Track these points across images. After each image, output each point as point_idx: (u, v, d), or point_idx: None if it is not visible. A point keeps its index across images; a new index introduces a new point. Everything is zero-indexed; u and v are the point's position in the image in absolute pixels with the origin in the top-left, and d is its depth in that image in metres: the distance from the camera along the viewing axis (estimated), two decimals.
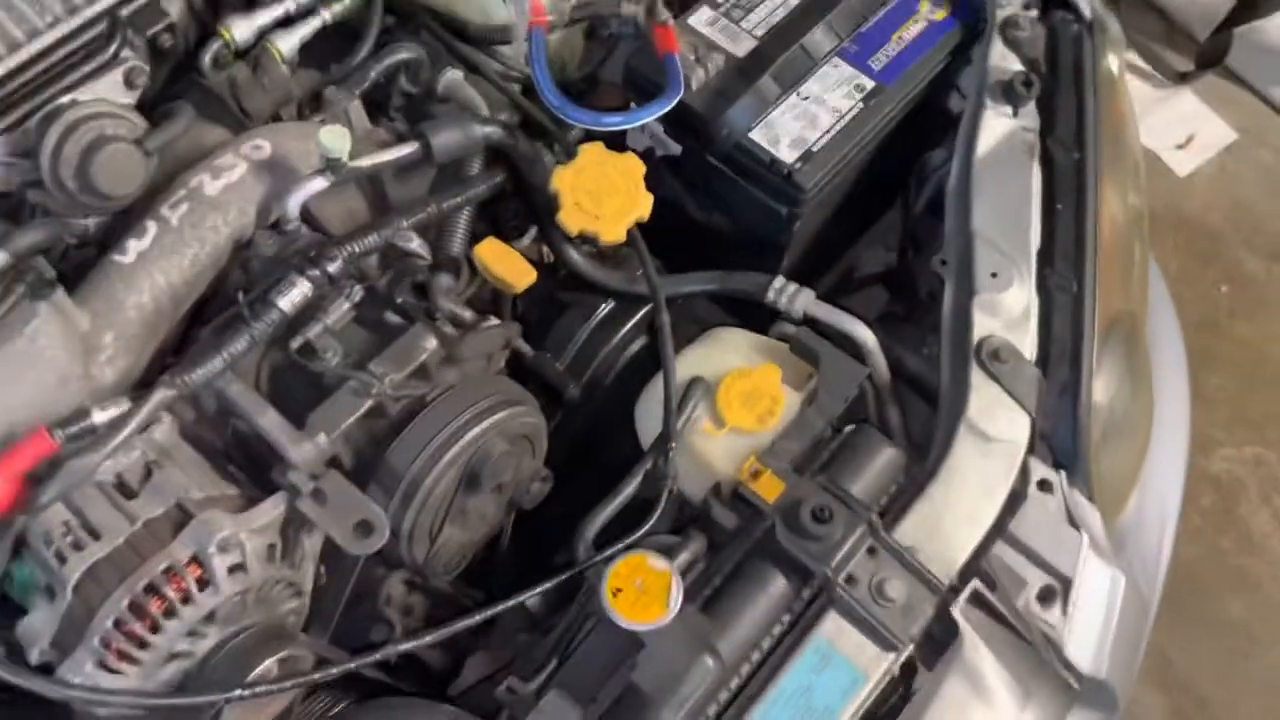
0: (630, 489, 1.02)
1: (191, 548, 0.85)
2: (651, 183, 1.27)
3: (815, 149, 1.15)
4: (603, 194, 1.06)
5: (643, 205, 1.07)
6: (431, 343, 0.97)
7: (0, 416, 0.88)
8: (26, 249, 0.94)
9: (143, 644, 0.83)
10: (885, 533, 0.98)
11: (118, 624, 0.83)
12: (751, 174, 1.17)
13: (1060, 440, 1.09)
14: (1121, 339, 1.15)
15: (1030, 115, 1.18)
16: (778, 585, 0.97)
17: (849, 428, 1.08)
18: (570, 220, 1.05)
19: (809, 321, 1.13)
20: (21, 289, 0.87)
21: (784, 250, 1.22)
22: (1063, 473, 1.07)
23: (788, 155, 1.14)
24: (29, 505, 0.85)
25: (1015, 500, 1.04)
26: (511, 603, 0.95)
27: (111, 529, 0.86)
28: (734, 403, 1.05)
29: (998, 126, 1.17)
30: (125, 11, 1.01)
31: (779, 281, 1.12)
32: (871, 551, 0.98)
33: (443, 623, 1.07)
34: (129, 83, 1.02)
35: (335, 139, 0.97)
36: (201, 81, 1.06)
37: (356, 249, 0.98)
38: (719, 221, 1.27)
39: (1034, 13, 1.23)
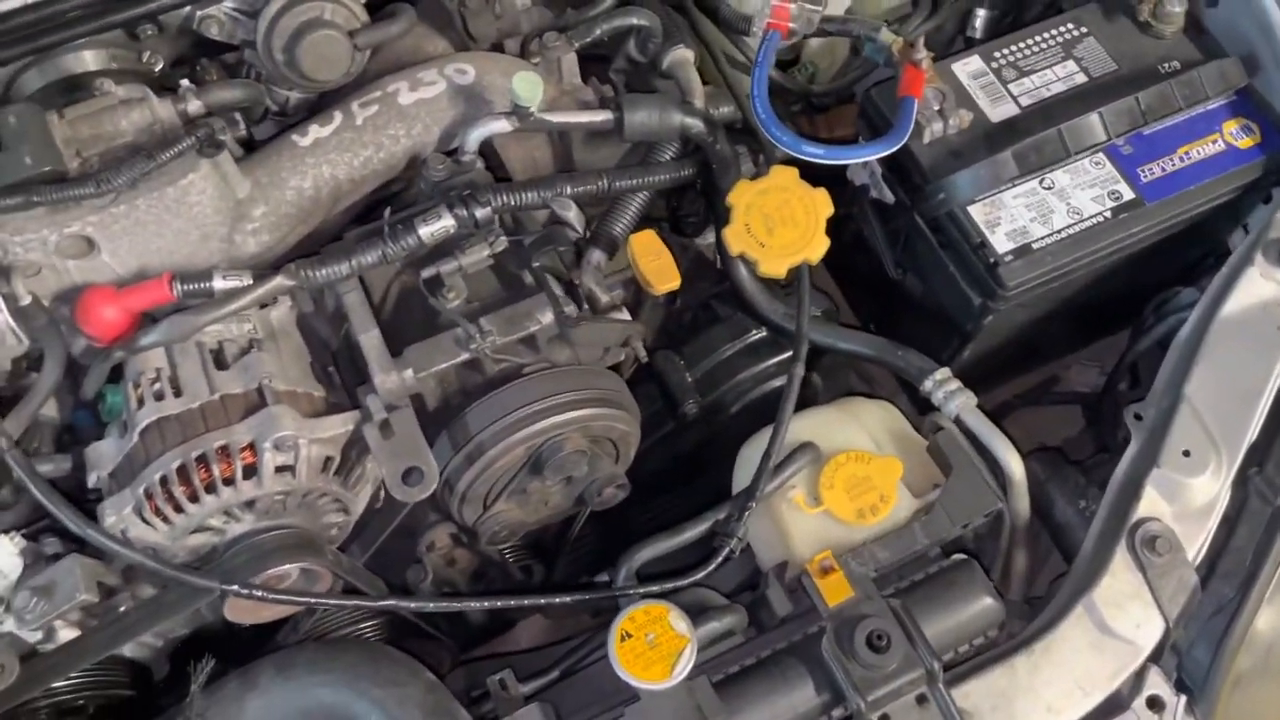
0: (692, 534, 0.95)
1: (251, 435, 0.87)
2: (858, 223, 1.20)
3: (1035, 247, 1.02)
4: (778, 223, 0.98)
5: (815, 248, 0.98)
6: (547, 316, 0.94)
7: (139, 255, 0.92)
8: (221, 103, 0.98)
9: (178, 508, 0.86)
10: (944, 687, 0.88)
11: (163, 481, 0.86)
12: (956, 250, 1.05)
13: (1195, 660, 0.94)
14: None
15: None
16: (805, 695, 0.88)
17: (956, 556, 0.96)
18: (734, 239, 0.98)
19: (961, 427, 1.01)
20: (191, 140, 0.89)
21: (970, 339, 1.09)
22: (1184, 697, 0.92)
23: (1002, 244, 1.02)
24: (132, 342, 0.88)
25: (1114, 708, 0.91)
26: (529, 602, 0.92)
27: (192, 391, 0.88)
28: (838, 485, 0.96)
29: (1260, 290, 0.99)
30: None
31: (942, 374, 1.01)
32: (921, 700, 0.88)
33: (482, 586, 1.07)
34: None
35: (527, 86, 0.94)
36: None
37: (508, 200, 0.95)
38: (913, 285, 1.16)
39: None
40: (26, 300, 0.88)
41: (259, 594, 0.84)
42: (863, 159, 1.00)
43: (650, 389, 1.13)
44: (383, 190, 1.03)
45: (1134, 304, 1.18)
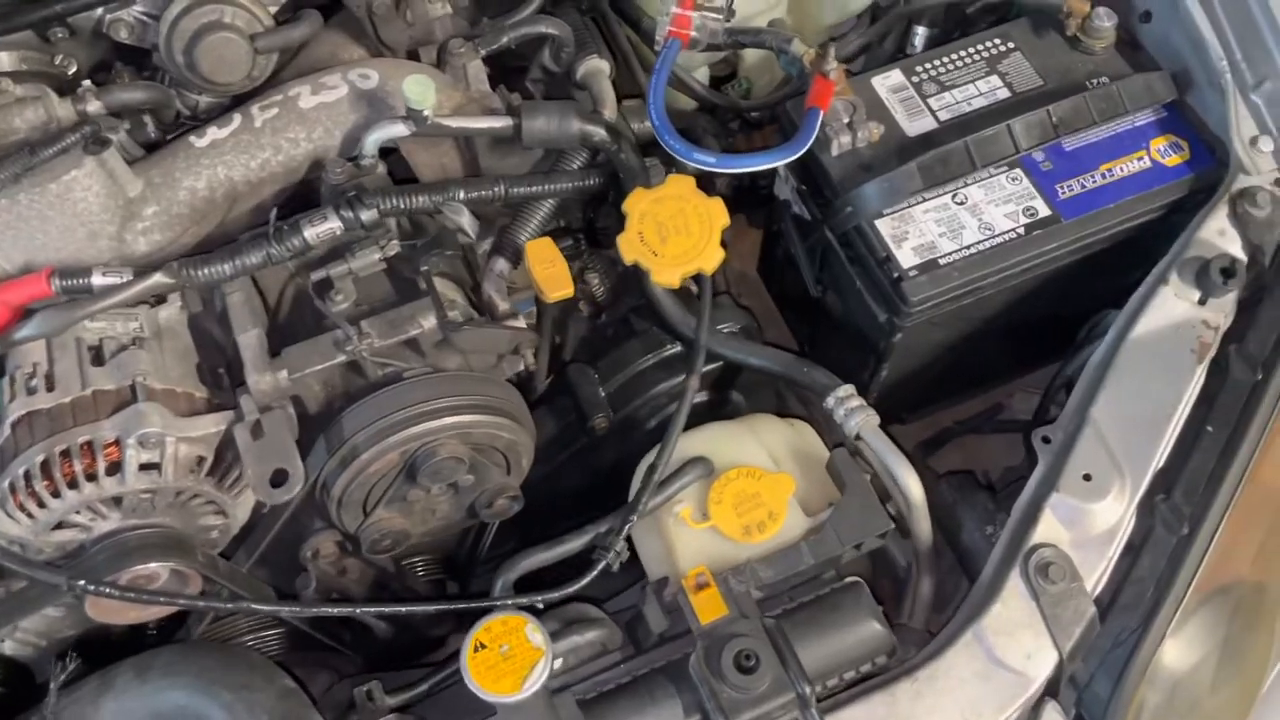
0: (572, 545, 0.93)
1: (116, 431, 0.86)
2: (779, 241, 1.18)
3: (942, 262, 0.99)
4: (671, 231, 0.96)
5: (709, 258, 0.96)
6: (430, 320, 0.92)
7: (23, 250, 0.92)
8: (122, 104, 0.99)
9: (41, 503, 0.85)
10: (818, 714, 0.84)
11: (27, 475, 0.85)
12: (863, 265, 1.02)
13: (1095, 695, 0.89)
14: (1230, 610, 0.91)
15: (1220, 311, 0.95)
16: (672, 716, 0.85)
17: (848, 579, 0.93)
18: (626, 248, 0.96)
19: (864, 447, 0.98)
20: (75, 137, 0.90)
21: (884, 358, 1.06)
22: None
23: (907, 258, 0.99)
24: (8, 336, 0.88)
25: None
26: (406, 610, 0.90)
27: (65, 386, 0.88)
28: (726, 500, 0.93)
29: (1173, 310, 0.95)
30: None
31: (844, 390, 0.98)
32: None
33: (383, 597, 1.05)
34: None
35: (418, 88, 0.94)
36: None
37: (396, 203, 0.94)
38: (833, 303, 1.13)
39: None
40: None
41: (106, 591, 0.83)
42: (754, 168, 0.97)
43: (565, 402, 1.12)
44: (285, 194, 1.03)
45: (1072, 328, 1.14)
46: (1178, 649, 0.89)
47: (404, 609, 0.94)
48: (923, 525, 0.96)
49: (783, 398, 1.20)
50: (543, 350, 1.04)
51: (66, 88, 0.99)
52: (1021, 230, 1.00)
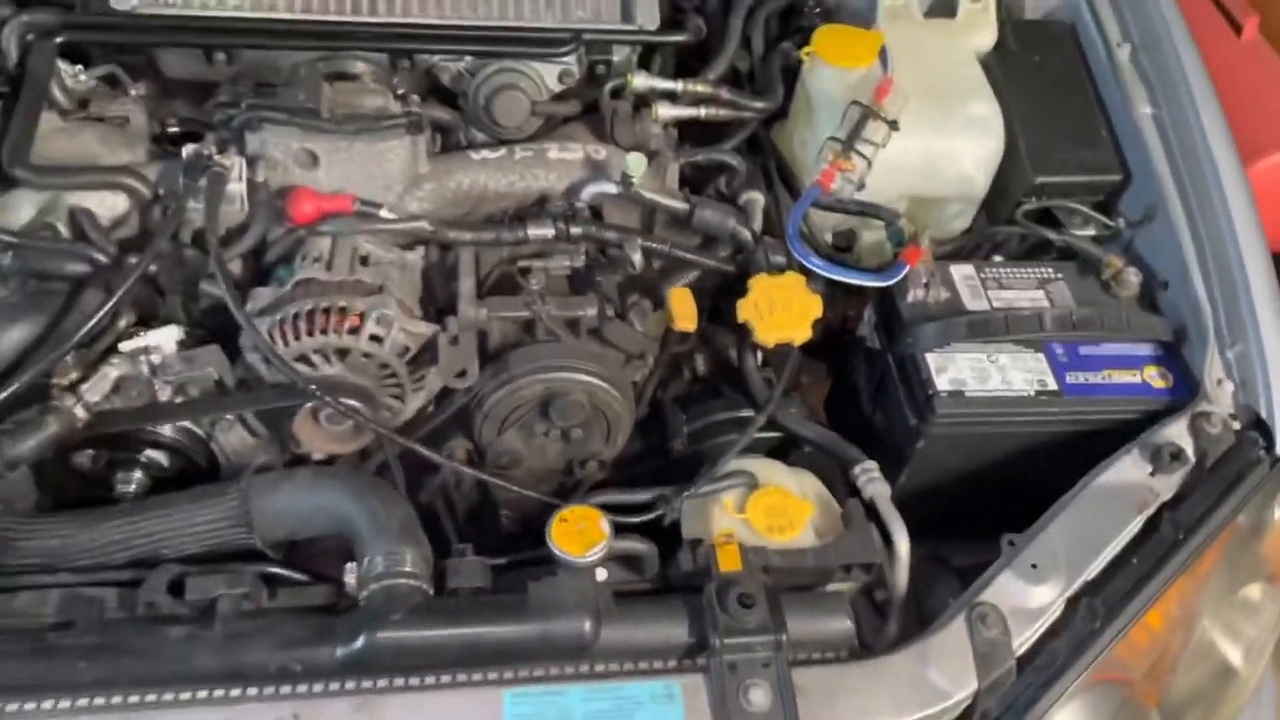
0: (641, 497, 1.22)
1: (363, 307, 1.21)
2: (848, 368, 1.51)
3: (967, 394, 1.31)
4: (779, 308, 1.31)
5: (800, 334, 1.30)
6: (591, 310, 1.28)
7: (341, 179, 1.31)
8: (433, 118, 1.40)
9: (298, 336, 1.20)
10: (789, 662, 1.10)
11: (295, 316, 1.20)
12: (908, 383, 1.35)
13: None
14: (1116, 704, 1.15)
15: (1165, 485, 1.24)
16: (679, 628, 1.11)
17: (832, 586, 1.20)
18: (742, 308, 1.31)
19: (872, 510, 1.27)
20: (403, 120, 1.31)
21: (907, 460, 1.36)
22: None
23: (942, 384, 1.31)
24: (315, 227, 1.26)
25: None
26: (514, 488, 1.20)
27: (337, 270, 1.25)
28: (759, 505, 1.23)
29: (1129, 473, 1.25)
30: (588, 36, 1.46)
31: (870, 464, 1.28)
32: (765, 665, 1.10)
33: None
34: (560, 78, 1.47)
35: (636, 164, 1.34)
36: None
37: (596, 230, 1.32)
38: (879, 419, 1.45)
39: (1236, 422, 1.29)
40: (260, 179, 1.28)
41: (335, 402, 1.16)
42: (850, 279, 1.33)
43: (653, 428, 1.44)
44: (512, 210, 1.42)
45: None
46: (1066, 715, 1.13)
47: (528, 492, 1.23)
48: (901, 576, 1.23)
49: None
50: (654, 373, 1.38)
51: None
52: (1032, 393, 1.32)
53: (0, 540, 1.12)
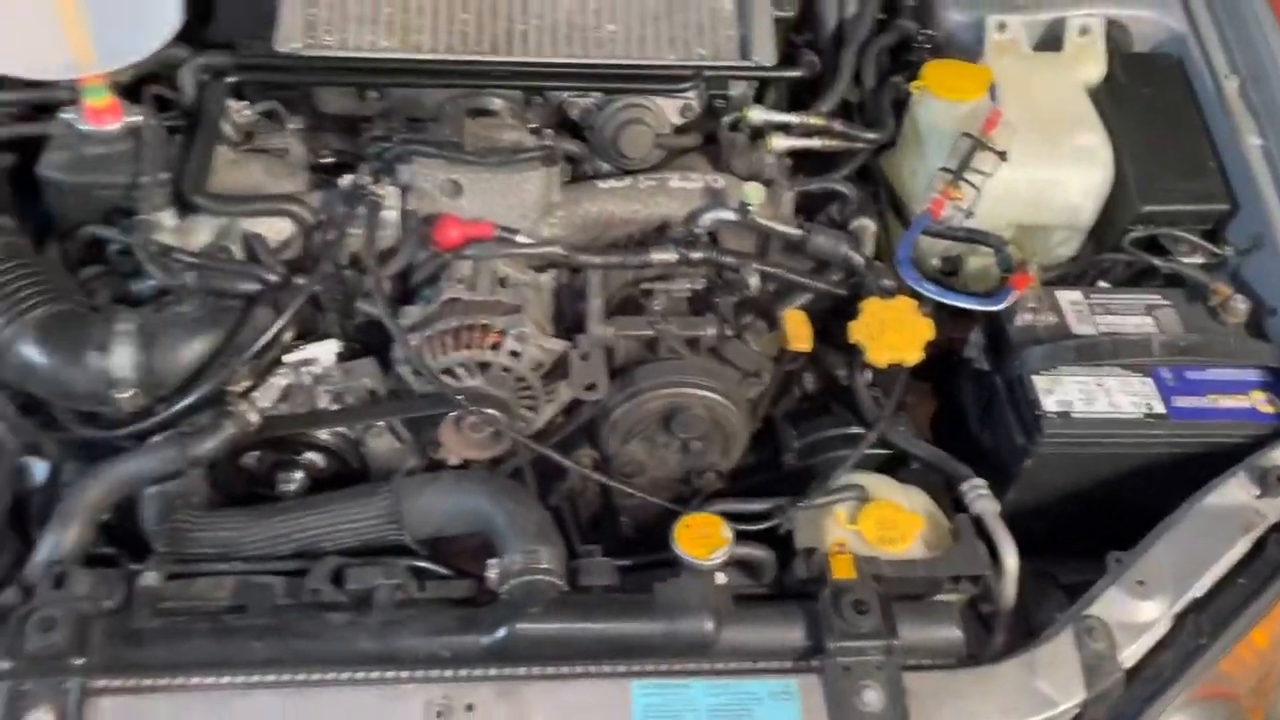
0: (756, 507, 1.29)
1: (503, 325, 1.32)
2: (955, 387, 1.57)
3: (1074, 415, 1.35)
4: (890, 330, 1.37)
5: (911, 355, 1.37)
6: (711, 330, 1.36)
7: (481, 207, 1.42)
8: (564, 150, 1.51)
9: (444, 351, 1.31)
10: (900, 666, 1.16)
11: (441, 332, 1.31)
12: (1016, 405, 1.40)
13: None
14: (1222, 717, 1.18)
15: (1272, 508, 1.27)
16: (795, 632, 1.18)
17: (941, 596, 1.26)
18: (855, 329, 1.38)
19: (980, 523, 1.32)
20: (539, 152, 1.41)
21: (1014, 478, 1.41)
22: None
23: (1049, 405, 1.36)
24: (459, 252, 1.37)
25: None
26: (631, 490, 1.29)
27: (479, 290, 1.35)
28: (871, 517, 1.29)
29: (1236, 494, 1.28)
30: (708, 73, 1.55)
31: (978, 480, 1.34)
32: (878, 668, 1.16)
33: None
34: (681, 112, 1.56)
35: (754, 193, 1.42)
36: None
37: (714, 255, 1.41)
38: (986, 439, 1.50)
39: None
40: (410, 207, 1.40)
41: (471, 409, 1.26)
42: (962, 304, 1.39)
43: (765, 443, 1.51)
44: (635, 235, 1.51)
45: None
46: None
47: (651, 498, 1.32)
48: (1009, 590, 1.28)
49: None
50: (768, 391, 1.46)
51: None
52: (1139, 415, 1.36)
53: (179, 532, 1.25)
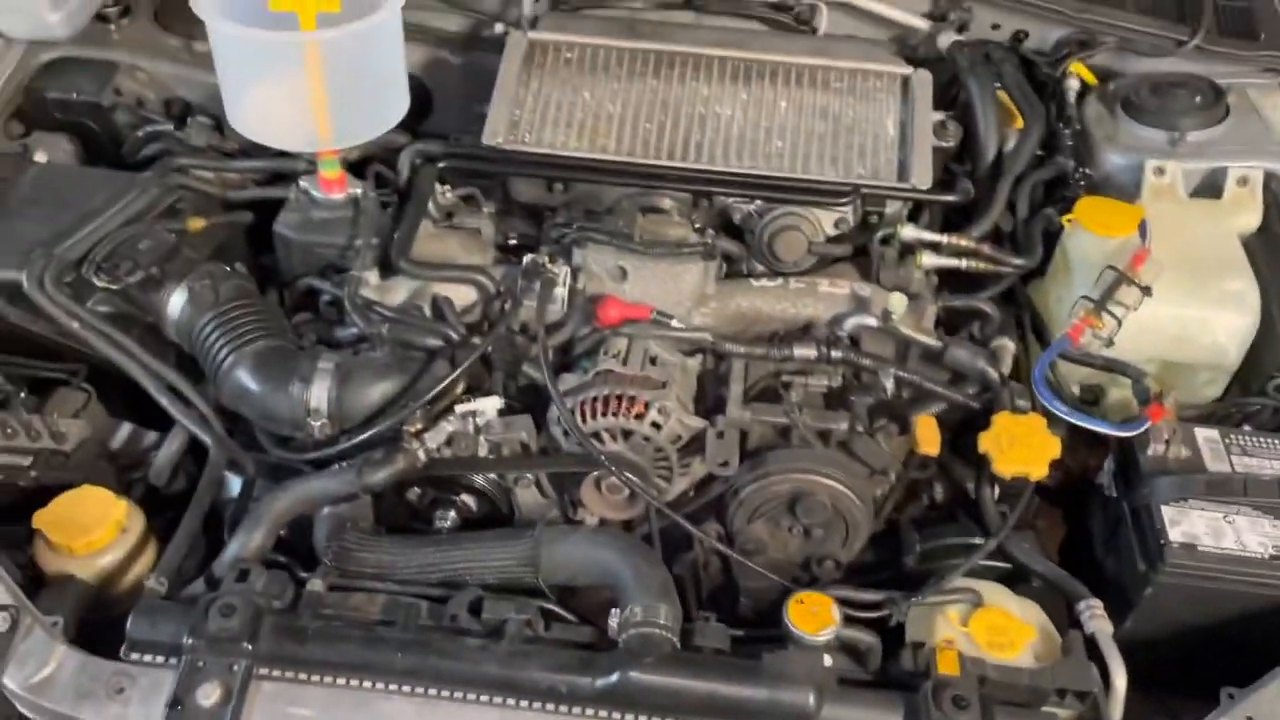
0: (872, 597, 1.35)
1: (648, 398, 1.44)
2: (1085, 514, 1.59)
3: (1199, 549, 1.36)
4: (1019, 443, 1.43)
5: (1036, 468, 1.41)
6: (844, 424, 1.44)
7: (641, 292, 1.57)
8: (724, 250, 1.64)
9: (593, 414, 1.44)
10: None
11: (593, 399, 1.45)
12: (1142, 532, 1.41)
13: None
14: None
15: None
16: (894, 714, 1.23)
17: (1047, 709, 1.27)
18: (984, 440, 1.43)
19: (1092, 643, 1.33)
20: (700, 247, 1.55)
21: (1134, 605, 1.41)
22: None
23: (1175, 536, 1.37)
24: (618, 329, 1.52)
25: None
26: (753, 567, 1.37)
27: (631, 364, 1.49)
28: (982, 620, 1.33)
29: None
30: (865, 190, 1.67)
31: (1094, 601, 1.36)
32: None
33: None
34: (836, 224, 1.68)
35: (897, 302, 1.52)
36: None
37: (854, 357, 1.50)
38: (1110, 565, 1.51)
39: None
40: (580, 287, 1.55)
41: (613, 469, 1.38)
42: (1093, 427, 1.43)
43: (886, 542, 1.56)
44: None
45: None
46: None
47: (772, 576, 1.40)
48: (1116, 711, 1.28)
49: None
50: (894, 492, 1.52)
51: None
52: (1266, 556, 1.36)
53: (345, 550, 1.40)
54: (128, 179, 1.67)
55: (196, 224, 1.63)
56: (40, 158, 1.77)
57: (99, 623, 1.33)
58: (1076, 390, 1.71)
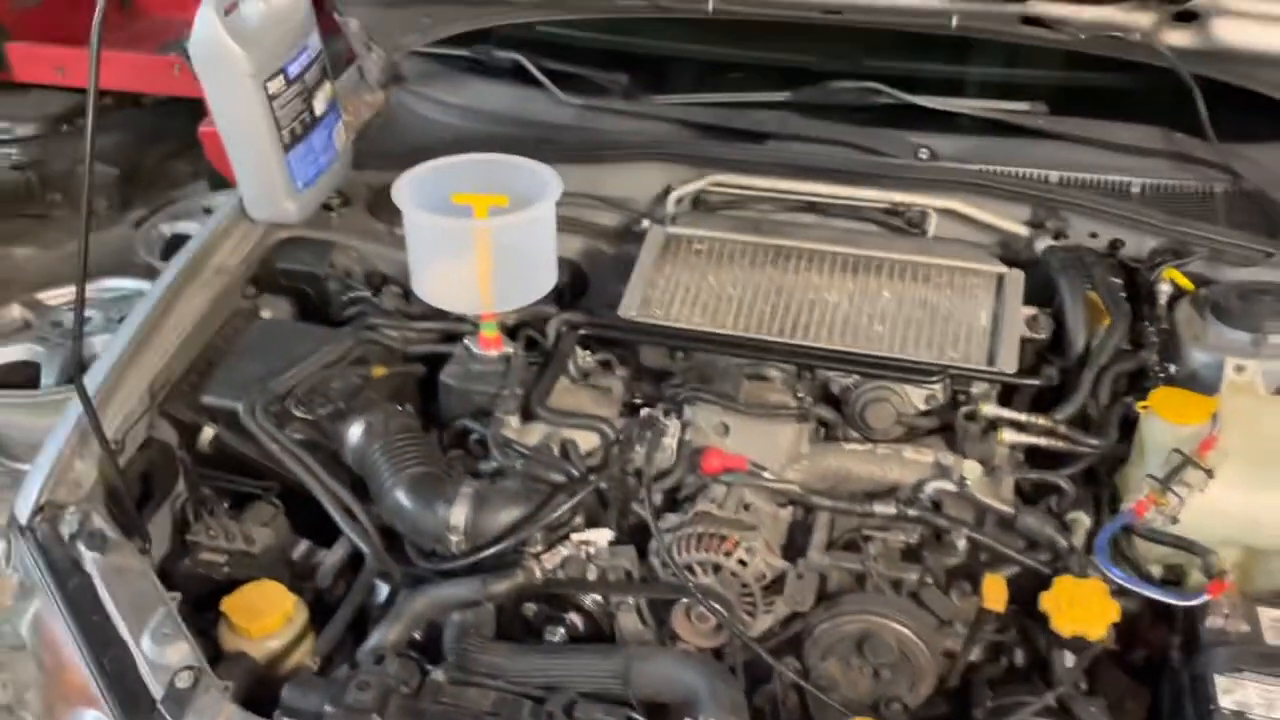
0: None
1: (738, 538, 1.64)
2: (1157, 689, 1.66)
3: (1251, 717, 1.42)
4: (1078, 604, 1.53)
5: (1094, 629, 1.51)
6: (913, 576, 1.59)
7: (741, 445, 1.78)
8: (820, 416, 1.86)
9: (687, 549, 1.64)
10: None
11: (689, 535, 1.65)
12: (1195, 699, 1.48)
13: None
14: None
15: None
16: None
17: None
18: (1046, 598, 1.55)
19: None
20: (799, 413, 1.77)
21: None
22: None
23: (1226, 704, 1.43)
24: (719, 478, 1.73)
25: None
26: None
27: (727, 509, 1.69)
28: None
29: None
30: (953, 371, 1.86)
31: None
32: None
33: None
34: (925, 400, 1.87)
35: (971, 469, 1.68)
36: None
37: (929, 515, 1.66)
38: None
39: None
40: (687, 439, 1.79)
41: (700, 599, 1.57)
42: (1148, 593, 1.52)
43: (963, 701, 1.67)
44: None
45: None
46: None
47: (843, 711, 1.54)
48: None
49: None
50: (967, 648, 1.64)
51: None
52: None
53: (467, 651, 1.63)
54: (330, 333, 2.05)
55: (379, 371, 1.97)
56: (265, 314, 2.18)
57: (261, 697, 1.59)
58: (1158, 570, 1.80)
